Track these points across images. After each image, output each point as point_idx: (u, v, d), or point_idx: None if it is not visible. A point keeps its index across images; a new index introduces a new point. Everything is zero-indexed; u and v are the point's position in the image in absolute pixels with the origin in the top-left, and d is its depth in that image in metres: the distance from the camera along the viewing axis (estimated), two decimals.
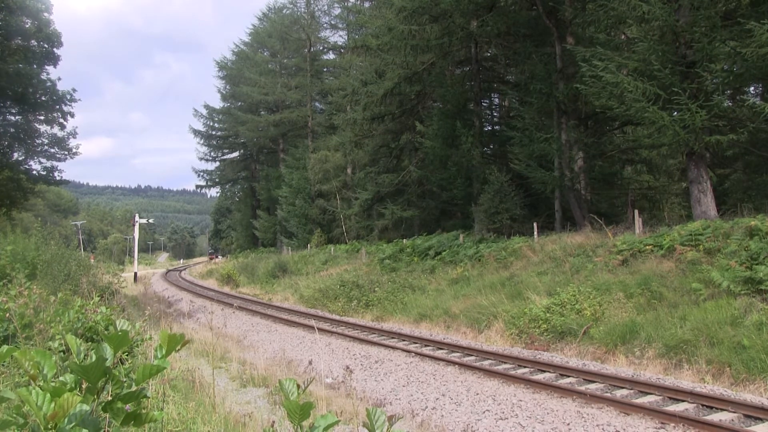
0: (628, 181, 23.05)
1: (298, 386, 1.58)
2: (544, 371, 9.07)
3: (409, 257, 21.26)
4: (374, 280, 18.73)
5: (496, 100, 33.44)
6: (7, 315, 4.96)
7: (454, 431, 6.88)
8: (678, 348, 8.83)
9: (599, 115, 18.58)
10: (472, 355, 10.53)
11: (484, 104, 31.05)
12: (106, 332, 3.87)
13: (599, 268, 12.70)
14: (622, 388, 7.89)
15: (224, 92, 58.37)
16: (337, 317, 17.06)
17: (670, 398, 7.28)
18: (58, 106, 24.51)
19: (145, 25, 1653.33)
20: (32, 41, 23.43)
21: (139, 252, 57.21)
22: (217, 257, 72.11)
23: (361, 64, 33.66)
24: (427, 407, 7.78)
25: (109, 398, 1.56)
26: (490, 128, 31.26)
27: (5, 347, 1.53)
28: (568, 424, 6.61)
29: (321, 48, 46.62)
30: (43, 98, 24.07)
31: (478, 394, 8.04)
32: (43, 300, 6.11)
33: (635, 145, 21.23)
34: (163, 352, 1.70)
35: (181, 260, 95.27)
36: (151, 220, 59.32)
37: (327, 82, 43.74)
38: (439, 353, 10.89)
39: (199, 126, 57.40)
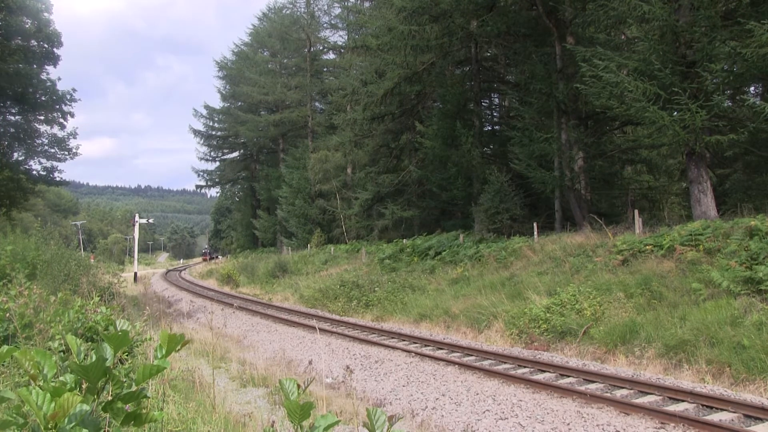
0: (628, 181, 23.08)
1: (299, 386, 1.58)
2: (544, 371, 9.07)
3: (409, 257, 21.26)
4: (374, 280, 18.73)
5: (496, 100, 33.47)
6: (7, 315, 4.96)
7: (454, 431, 6.88)
8: (678, 348, 8.83)
9: (599, 115, 18.58)
10: (472, 355, 10.53)
11: (484, 104, 31.08)
12: (106, 332, 3.87)
13: (599, 268, 12.70)
14: (622, 388, 7.89)
15: (224, 92, 58.39)
16: (337, 317, 17.05)
17: (670, 398, 7.28)
18: (58, 106, 24.50)
19: (148, 27, 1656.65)
20: (32, 41, 23.41)
21: (139, 252, 57.22)
22: (216, 257, 68.98)
23: (361, 64, 33.66)
24: (427, 407, 7.78)
25: (109, 398, 1.56)
26: (490, 128, 31.28)
27: (5, 347, 1.53)
28: (568, 424, 6.61)
29: (321, 48, 46.62)
30: (43, 98, 24.07)
31: (478, 394, 8.03)
32: (43, 300, 6.11)
33: (635, 145, 21.23)
34: (163, 352, 1.70)
35: (181, 260, 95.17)
36: (151, 220, 59.36)
37: (327, 82, 43.74)
38: (439, 353, 10.88)
39: (199, 126, 57.50)
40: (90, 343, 5.09)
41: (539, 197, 21.86)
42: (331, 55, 46.42)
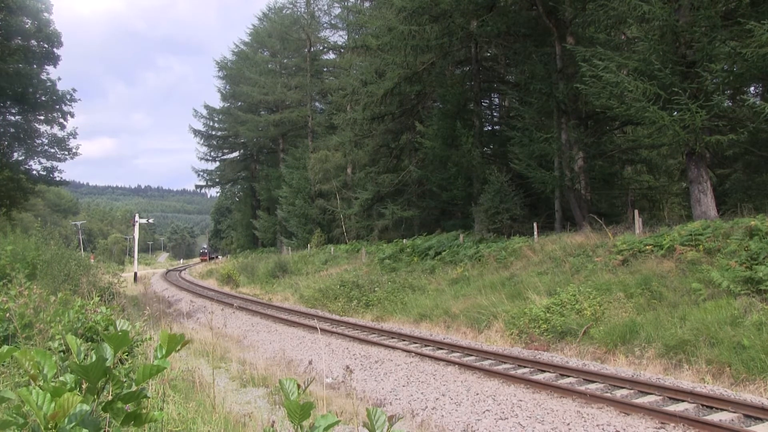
0: (628, 181, 23.08)
1: (299, 386, 1.58)
2: (544, 371, 9.07)
3: (409, 257, 21.26)
4: (374, 280, 18.72)
5: (496, 100, 33.47)
6: (7, 315, 4.96)
7: (454, 431, 6.88)
8: (678, 348, 8.83)
9: (599, 115, 18.59)
10: (472, 355, 10.53)
11: (484, 104, 31.07)
12: (106, 332, 3.87)
13: (599, 268, 12.70)
14: (622, 388, 7.89)
15: (224, 92, 58.37)
16: (337, 317, 17.05)
17: (670, 398, 7.28)
18: (58, 106, 24.52)
19: (149, 28, 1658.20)
20: (32, 41, 23.42)
21: (139, 252, 57.19)
22: (216, 257, 67.78)
23: (361, 64, 33.64)
24: (427, 407, 7.78)
25: (109, 398, 1.56)
26: (490, 128, 31.27)
27: (5, 347, 1.53)
28: (568, 424, 6.61)
29: (321, 48, 46.61)
30: (43, 98, 24.07)
31: (478, 394, 8.03)
32: (43, 300, 6.11)
33: (635, 145, 21.24)
34: (163, 352, 1.69)
35: (181, 260, 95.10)
36: (151, 220, 59.30)
37: (327, 82, 43.72)
38: (439, 353, 10.88)
39: (199, 126, 57.49)
40: (90, 343, 5.09)
41: (539, 197, 21.86)
42: (331, 55, 46.43)
